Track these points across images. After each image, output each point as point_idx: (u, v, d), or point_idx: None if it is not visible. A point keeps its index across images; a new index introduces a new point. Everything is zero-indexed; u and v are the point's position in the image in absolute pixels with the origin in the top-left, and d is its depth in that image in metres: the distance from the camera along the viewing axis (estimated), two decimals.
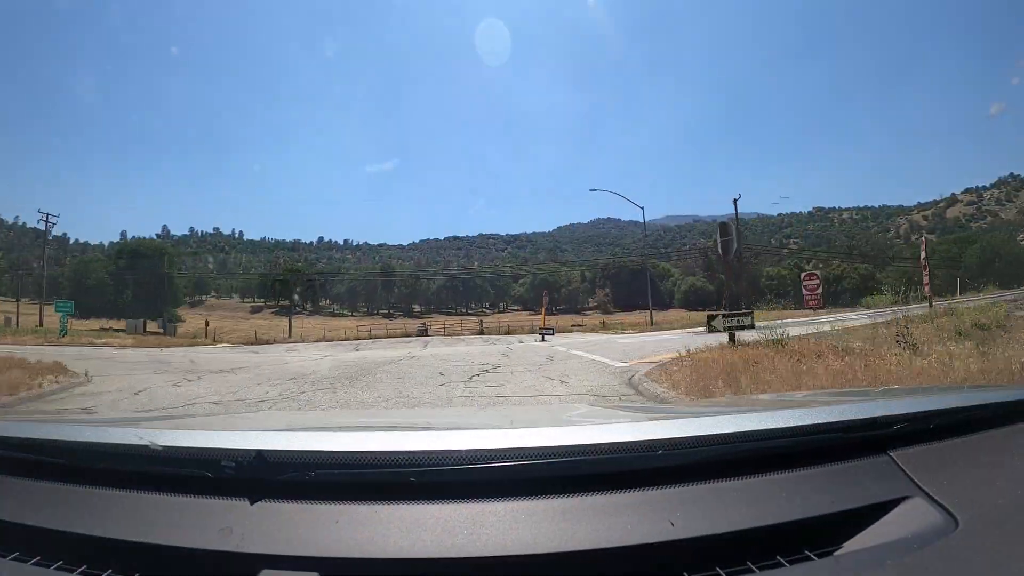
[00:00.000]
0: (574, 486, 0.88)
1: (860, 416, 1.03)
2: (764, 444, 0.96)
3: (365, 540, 0.81)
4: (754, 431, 0.96)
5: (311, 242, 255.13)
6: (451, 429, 1.27)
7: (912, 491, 0.90)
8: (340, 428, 1.50)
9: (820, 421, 1.01)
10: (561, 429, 1.04)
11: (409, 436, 1.09)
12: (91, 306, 61.62)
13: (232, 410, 6.40)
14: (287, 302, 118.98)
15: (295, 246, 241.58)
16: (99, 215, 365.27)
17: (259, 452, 0.91)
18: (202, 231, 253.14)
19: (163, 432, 1.04)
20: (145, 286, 61.25)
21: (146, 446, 0.96)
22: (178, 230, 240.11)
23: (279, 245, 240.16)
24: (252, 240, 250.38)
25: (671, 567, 0.78)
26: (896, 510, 0.87)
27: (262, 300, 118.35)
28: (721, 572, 0.77)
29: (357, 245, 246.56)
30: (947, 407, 1.14)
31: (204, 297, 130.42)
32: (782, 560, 0.78)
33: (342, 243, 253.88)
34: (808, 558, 0.79)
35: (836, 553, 0.81)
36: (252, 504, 0.88)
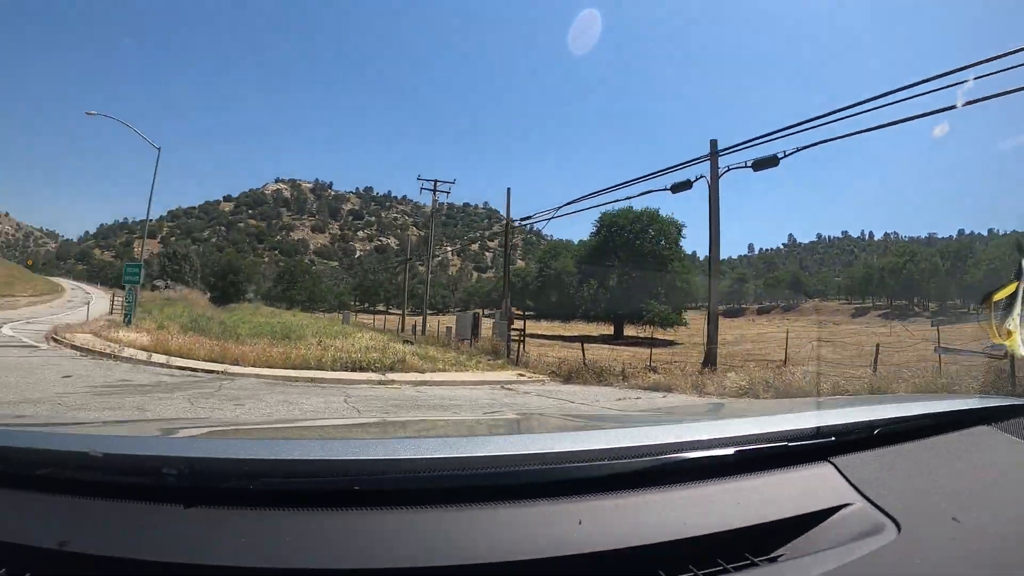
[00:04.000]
0: (515, 494, 0.84)
1: (803, 425, 1.03)
2: (709, 453, 0.93)
3: (309, 550, 0.75)
4: (698, 440, 0.95)
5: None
6: (397, 438, 1.28)
7: (854, 498, 0.89)
8: (288, 436, 1.42)
9: (764, 431, 1.00)
10: (508, 438, 1.07)
11: (348, 444, 1.06)
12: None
13: (178, 416, 6.02)
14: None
15: None
16: None
17: (201, 459, 0.87)
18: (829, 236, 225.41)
19: (105, 438, 1.01)
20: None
21: (86, 453, 0.89)
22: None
23: None
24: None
25: (613, 571, 0.76)
26: (839, 516, 0.85)
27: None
28: (662, 574, 0.74)
29: None
30: (887, 417, 1.14)
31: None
32: (725, 565, 0.76)
33: None
34: (752, 564, 0.77)
35: (779, 558, 0.78)
36: (192, 513, 0.82)
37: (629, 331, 40.70)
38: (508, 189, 22.39)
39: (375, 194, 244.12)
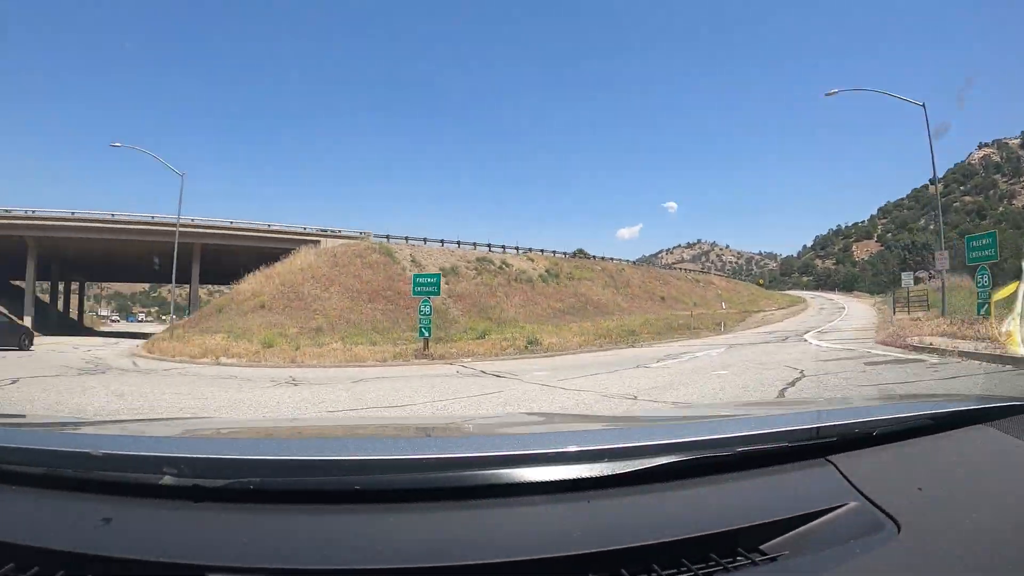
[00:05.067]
0: (513, 492, 0.84)
1: (804, 425, 1.03)
2: (709, 453, 0.93)
3: (313, 549, 0.73)
4: (698, 440, 0.95)
5: None
6: (395, 439, 1.27)
7: (854, 497, 0.87)
8: (290, 435, 1.43)
9: (765, 431, 1.01)
10: (510, 438, 1.13)
11: (344, 443, 1.08)
12: None
13: (180, 415, 5.94)
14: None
15: None
16: None
17: (204, 459, 0.87)
18: None
19: (107, 437, 1.03)
20: None
21: (87, 453, 0.88)
22: None
23: None
24: None
25: (612, 569, 0.74)
26: (839, 515, 0.84)
27: None
28: (660, 572, 0.73)
29: None
30: (887, 417, 1.16)
31: None
32: (724, 564, 0.74)
33: None
34: (751, 563, 0.75)
35: (779, 557, 0.77)
36: (195, 512, 0.81)
37: None
38: None
39: None
